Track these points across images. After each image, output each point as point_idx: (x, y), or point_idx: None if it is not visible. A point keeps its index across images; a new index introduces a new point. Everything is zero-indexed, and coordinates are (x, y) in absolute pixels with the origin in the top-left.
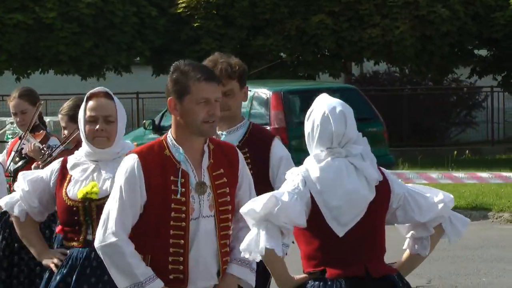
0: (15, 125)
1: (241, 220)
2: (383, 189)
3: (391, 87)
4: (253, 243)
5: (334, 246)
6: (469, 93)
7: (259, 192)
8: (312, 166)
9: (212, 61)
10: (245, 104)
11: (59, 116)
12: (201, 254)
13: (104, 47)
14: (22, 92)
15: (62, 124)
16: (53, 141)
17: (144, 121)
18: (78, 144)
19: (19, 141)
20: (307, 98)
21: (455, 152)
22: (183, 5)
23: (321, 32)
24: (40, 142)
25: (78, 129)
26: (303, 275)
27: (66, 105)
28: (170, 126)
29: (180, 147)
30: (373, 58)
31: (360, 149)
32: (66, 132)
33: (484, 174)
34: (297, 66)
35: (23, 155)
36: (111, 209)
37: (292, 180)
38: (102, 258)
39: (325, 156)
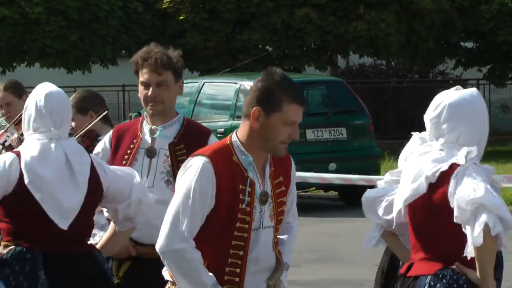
0: (3, 117)
1: (286, 220)
2: None
3: (377, 80)
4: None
5: None
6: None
7: None
8: None
9: (147, 51)
10: (230, 96)
11: None
12: (259, 266)
13: (90, 41)
14: (7, 85)
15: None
16: None
17: (130, 113)
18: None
19: (5, 134)
20: None
21: None
22: (169, 0)
23: (306, 25)
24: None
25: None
26: None
27: (73, 96)
28: None
29: (249, 155)
30: (358, 52)
31: None
32: (73, 124)
33: None
34: (283, 59)
35: (6, 147)
36: (181, 212)
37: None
38: (166, 263)
39: None
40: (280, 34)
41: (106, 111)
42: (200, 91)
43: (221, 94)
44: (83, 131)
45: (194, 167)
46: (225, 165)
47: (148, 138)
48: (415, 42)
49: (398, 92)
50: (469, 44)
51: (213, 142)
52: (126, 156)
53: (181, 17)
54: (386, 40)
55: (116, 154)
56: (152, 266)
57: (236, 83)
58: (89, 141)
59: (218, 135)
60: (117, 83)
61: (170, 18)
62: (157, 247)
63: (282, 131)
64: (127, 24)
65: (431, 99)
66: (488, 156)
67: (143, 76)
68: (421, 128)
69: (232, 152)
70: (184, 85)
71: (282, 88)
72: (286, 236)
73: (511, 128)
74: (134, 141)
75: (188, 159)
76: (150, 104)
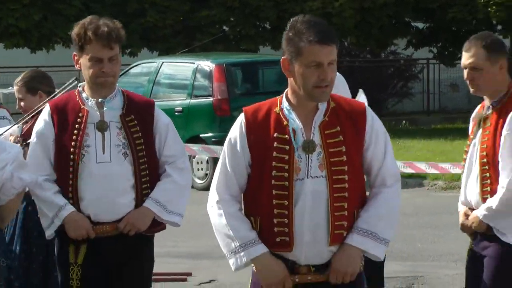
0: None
1: (377, 185)
2: None
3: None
4: None
5: None
6: (405, 65)
7: (140, 160)
8: None
9: (95, 25)
10: (188, 76)
11: (15, 87)
12: (308, 217)
13: (53, 20)
14: (21, 78)
15: (19, 95)
16: (2, 112)
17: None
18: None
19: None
20: (249, 71)
21: (393, 122)
22: None
23: (263, 3)
24: None
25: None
26: None
27: (22, 76)
28: None
29: (289, 105)
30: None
31: None
32: (22, 103)
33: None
34: (240, 39)
35: None
36: (217, 171)
37: None
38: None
39: None
40: (237, 13)
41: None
42: (158, 71)
43: (179, 74)
44: (35, 112)
45: (234, 125)
46: (263, 117)
47: (95, 112)
48: (369, 21)
49: (351, 71)
50: (420, 25)
51: (161, 112)
52: (75, 131)
53: None
54: (340, 18)
55: (62, 131)
56: (112, 243)
57: (193, 63)
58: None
59: (176, 113)
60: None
61: None
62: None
63: (309, 75)
64: (88, 2)
65: (382, 78)
66: (438, 133)
67: (94, 51)
68: (372, 106)
69: (277, 104)
70: (143, 65)
71: (300, 33)
72: (371, 203)
73: (460, 106)
74: (80, 115)
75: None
76: (102, 78)
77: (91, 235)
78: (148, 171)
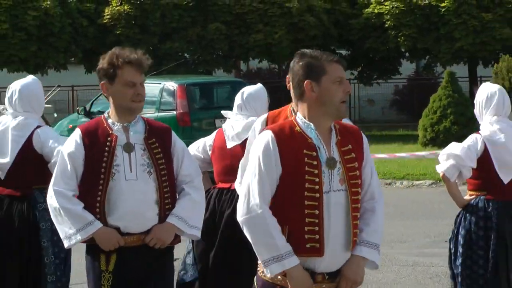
0: None
1: (367, 200)
2: None
3: (271, 80)
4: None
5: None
6: None
7: (163, 183)
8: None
9: (127, 54)
10: (156, 94)
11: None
12: (334, 226)
13: (46, 51)
14: None
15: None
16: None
17: (78, 107)
18: None
19: None
20: (205, 89)
21: None
22: (108, 17)
23: (216, 37)
24: None
25: None
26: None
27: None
28: (98, 112)
29: (312, 124)
30: (257, 58)
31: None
32: None
33: None
34: (198, 64)
35: None
36: (251, 183)
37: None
38: (244, 230)
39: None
40: (196, 44)
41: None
42: None
43: (149, 92)
44: None
45: (260, 141)
46: (288, 135)
47: (122, 135)
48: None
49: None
50: (344, 52)
51: (177, 137)
52: (105, 153)
53: (118, 31)
54: (279, 48)
55: (93, 152)
56: (138, 253)
57: (160, 84)
58: None
59: None
60: (68, 84)
61: (109, 31)
62: (238, 218)
63: (335, 90)
64: (75, 36)
65: None
66: None
67: (128, 76)
68: None
69: (295, 124)
70: None
71: (318, 56)
72: (369, 217)
73: (375, 117)
74: (109, 139)
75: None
76: (136, 102)
77: (121, 243)
78: (169, 188)
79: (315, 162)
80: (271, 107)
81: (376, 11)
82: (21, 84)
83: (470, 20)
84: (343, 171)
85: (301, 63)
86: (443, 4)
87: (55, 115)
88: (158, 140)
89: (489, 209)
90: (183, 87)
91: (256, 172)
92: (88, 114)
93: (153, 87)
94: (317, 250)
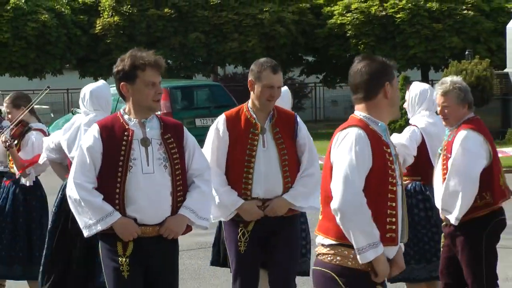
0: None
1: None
2: None
3: (245, 84)
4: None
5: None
6: (299, 87)
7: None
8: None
9: (145, 55)
10: None
11: (4, 105)
12: (401, 217)
13: (44, 58)
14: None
15: (7, 110)
16: (5, 123)
17: (72, 108)
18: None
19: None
20: (186, 92)
21: None
22: (99, 27)
23: (196, 45)
24: None
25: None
26: None
27: (9, 96)
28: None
29: (382, 123)
30: (233, 64)
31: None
32: (10, 116)
33: None
34: (180, 69)
35: None
36: (350, 173)
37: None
38: (339, 217)
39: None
40: (178, 52)
41: (31, 106)
42: None
43: None
44: (16, 121)
45: (351, 137)
46: (369, 133)
47: (139, 130)
48: (272, 56)
49: None
50: (310, 58)
51: (187, 131)
52: (123, 147)
53: (108, 40)
54: (252, 55)
55: (110, 146)
56: (154, 243)
57: None
58: (22, 127)
59: None
60: (63, 87)
61: (100, 40)
62: (335, 206)
63: (398, 93)
64: (69, 44)
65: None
66: (322, 136)
67: (149, 77)
68: None
69: (367, 123)
70: (111, 88)
71: (386, 61)
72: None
73: (338, 116)
74: (126, 133)
75: (340, 131)
76: (156, 101)
77: (138, 233)
78: (181, 181)
79: (391, 158)
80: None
81: (338, 21)
82: (91, 87)
83: (423, 30)
84: (399, 167)
85: (377, 67)
86: (398, 15)
87: (52, 115)
88: (173, 135)
89: (427, 192)
90: (166, 90)
91: (353, 164)
92: None
93: None
94: (393, 240)
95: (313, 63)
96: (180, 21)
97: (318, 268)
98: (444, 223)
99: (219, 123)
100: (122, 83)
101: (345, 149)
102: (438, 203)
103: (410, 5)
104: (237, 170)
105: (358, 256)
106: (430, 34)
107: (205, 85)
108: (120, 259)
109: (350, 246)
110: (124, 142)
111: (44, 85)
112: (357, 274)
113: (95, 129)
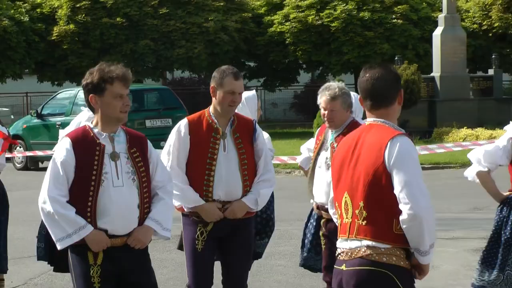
0: None
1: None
2: None
3: (191, 87)
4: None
5: None
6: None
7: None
8: None
9: (113, 69)
10: None
11: None
12: None
13: (5, 62)
14: None
15: None
16: None
17: (31, 110)
18: None
19: None
20: (137, 95)
21: None
22: (56, 34)
23: (146, 51)
24: None
25: None
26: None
27: None
28: (48, 114)
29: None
30: (180, 69)
31: None
32: None
33: None
34: (132, 74)
35: None
36: (418, 178)
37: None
38: (416, 222)
39: None
40: (129, 57)
41: None
42: (76, 95)
43: None
44: None
45: (406, 145)
46: None
47: (108, 144)
48: (216, 62)
49: (206, 95)
50: (252, 64)
51: (150, 145)
52: (95, 162)
53: (65, 46)
54: (198, 61)
55: (83, 160)
56: (120, 252)
57: None
58: None
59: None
60: (23, 91)
61: (57, 46)
62: (415, 212)
63: None
64: (28, 50)
65: None
66: None
67: (117, 89)
68: None
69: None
70: (66, 92)
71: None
72: None
73: (277, 118)
74: (97, 148)
75: (391, 140)
76: (123, 112)
77: (108, 245)
78: (147, 193)
79: None
80: (192, 109)
81: (278, 30)
82: None
83: (356, 37)
84: None
85: (394, 73)
86: (333, 24)
87: (12, 117)
88: (138, 149)
89: None
90: None
91: (418, 169)
92: (40, 116)
93: None
94: None
95: (255, 68)
96: (131, 29)
97: (370, 268)
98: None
99: (181, 126)
100: (91, 95)
101: (407, 157)
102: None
103: (344, 14)
104: (199, 173)
105: (423, 258)
106: (362, 41)
107: (154, 88)
108: (91, 268)
109: (403, 248)
110: (96, 157)
111: (4, 89)
112: (407, 273)
113: (67, 142)
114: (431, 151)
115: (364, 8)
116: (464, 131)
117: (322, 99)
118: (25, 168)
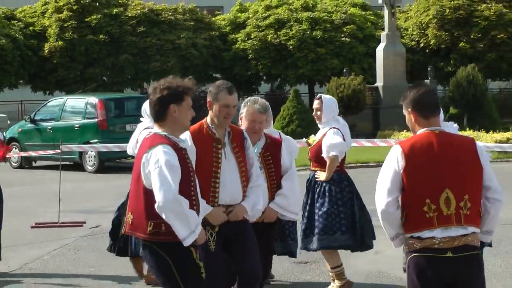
0: None
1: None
2: None
3: None
4: None
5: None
6: None
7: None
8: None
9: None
10: (82, 106)
11: None
12: None
13: (2, 75)
14: None
15: None
16: None
17: (25, 116)
18: None
19: None
20: (118, 103)
21: None
22: (47, 49)
23: (126, 64)
24: None
25: None
26: None
27: None
28: (41, 120)
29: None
30: (155, 80)
31: None
32: None
33: None
34: (112, 84)
35: None
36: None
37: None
38: (500, 209)
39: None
40: (111, 70)
41: None
42: (65, 103)
43: (77, 105)
44: None
45: (480, 145)
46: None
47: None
48: (188, 75)
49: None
50: (218, 76)
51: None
52: (214, 149)
53: (55, 60)
54: (171, 73)
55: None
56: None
57: (85, 99)
58: None
59: (75, 128)
60: (18, 99)
61: (48, 60)
62: (503, 199)
63: None
64: (23, 63)
65: (199, 107)
66: None
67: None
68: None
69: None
70: (56, 100)
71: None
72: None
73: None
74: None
75: (475, 142)
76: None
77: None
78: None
79: None
80: None
81: (241, 47)
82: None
83: (309, 53)
84: None
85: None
86: (290, 42)
87: (9, 122)
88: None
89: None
90: (102, 101)
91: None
92: (33, 121)
93: (80, 101)
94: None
95: (221, 79)
96: (112, 45)
97: (478, 252)
98: None
99: (186, 138)
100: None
101: (486, 152)
102: None
103: (299, 34)
104: (205, 180)
105: (489, 237)
106: (315, 57)
107: (133, 97)
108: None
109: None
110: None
111: (1, 98)
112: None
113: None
114: (375, 143)
115: (317, 27)
116: (404, 133)
117: (249, 111)
118: (20, 167)
